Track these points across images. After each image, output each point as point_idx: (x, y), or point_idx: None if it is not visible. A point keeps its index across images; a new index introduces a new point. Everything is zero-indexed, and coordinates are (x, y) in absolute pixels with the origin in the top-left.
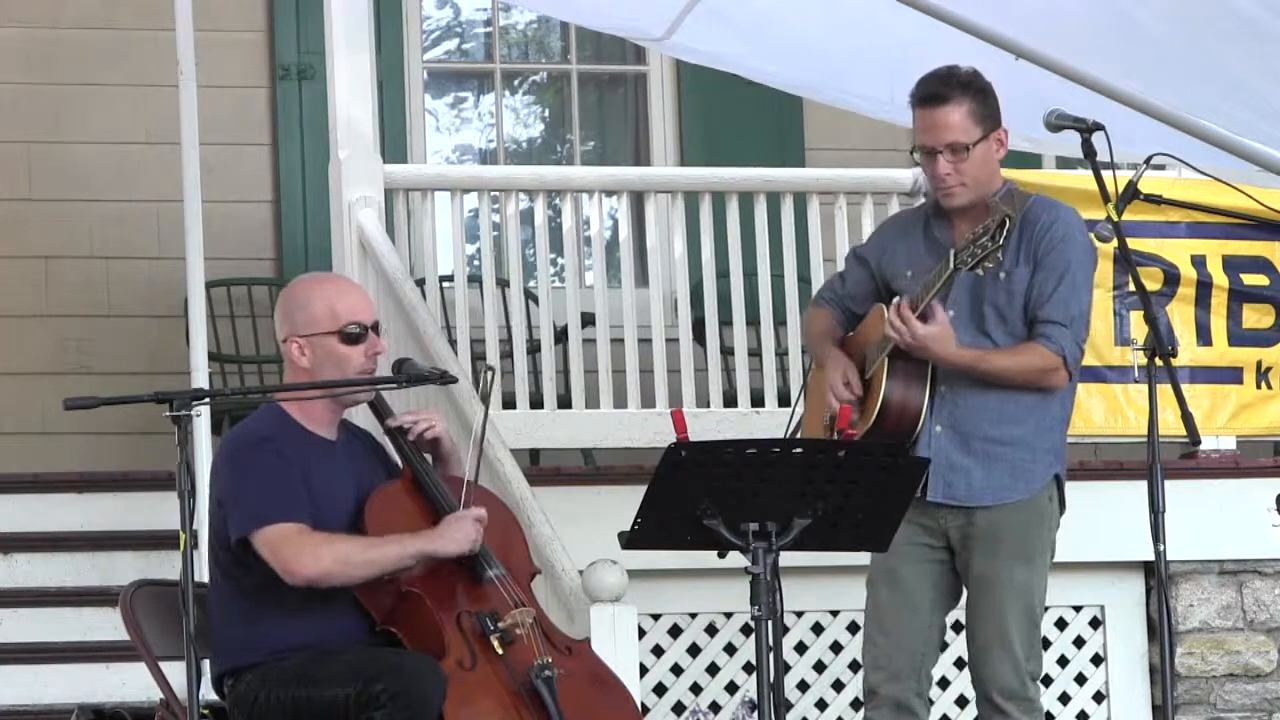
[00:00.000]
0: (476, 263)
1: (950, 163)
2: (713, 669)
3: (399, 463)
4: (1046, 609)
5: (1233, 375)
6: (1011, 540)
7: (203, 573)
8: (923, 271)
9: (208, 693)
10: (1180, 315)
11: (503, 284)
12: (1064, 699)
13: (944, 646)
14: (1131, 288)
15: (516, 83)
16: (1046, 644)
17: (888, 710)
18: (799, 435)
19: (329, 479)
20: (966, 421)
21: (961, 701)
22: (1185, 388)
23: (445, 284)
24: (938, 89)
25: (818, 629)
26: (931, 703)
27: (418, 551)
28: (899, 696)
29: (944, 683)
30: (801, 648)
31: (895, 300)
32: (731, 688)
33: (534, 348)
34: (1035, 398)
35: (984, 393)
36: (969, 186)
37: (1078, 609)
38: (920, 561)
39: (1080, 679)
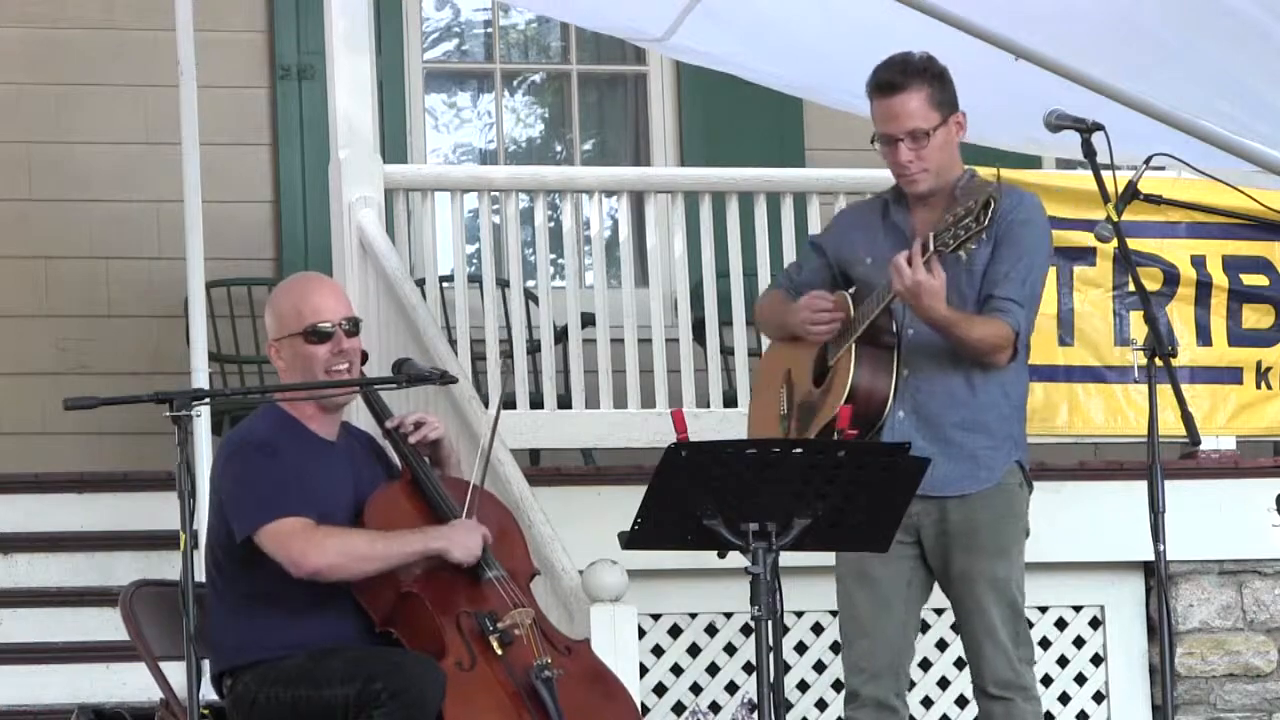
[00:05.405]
0: (476, 263)
1: (912, 149)
2: (713, 669)
3: (399, 464)
4: (1046, 609)
5: (1232, 375)
6: (987, 535)
7: (202, 573)
8: (882, 258)
9: (208, 693)
10: (1180, 315)
11: (503, 284)
12: (1064, 699)
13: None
14: (1131, 288)
15: (516, 83)
16: (1046, 644)
17: (870, 710)
18: (748, 432)
19: (328, 479)
20: (930, 406)
21: (962, 701)
22: (1185, 388)
23: (445, 284)
24: (894, 77)
25: (818, 629)
26: (932, 702)
27: (425, 549)
28: (880, 696)
29: (944, 683)
30: (801, 648)
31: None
32: (731, 688)
33: (534, 348)
34: (997, 384)
35: (946, 377)
36: (931, 172)
37: (1078, 609)
38: (893, 560)
39: (1080, 679)
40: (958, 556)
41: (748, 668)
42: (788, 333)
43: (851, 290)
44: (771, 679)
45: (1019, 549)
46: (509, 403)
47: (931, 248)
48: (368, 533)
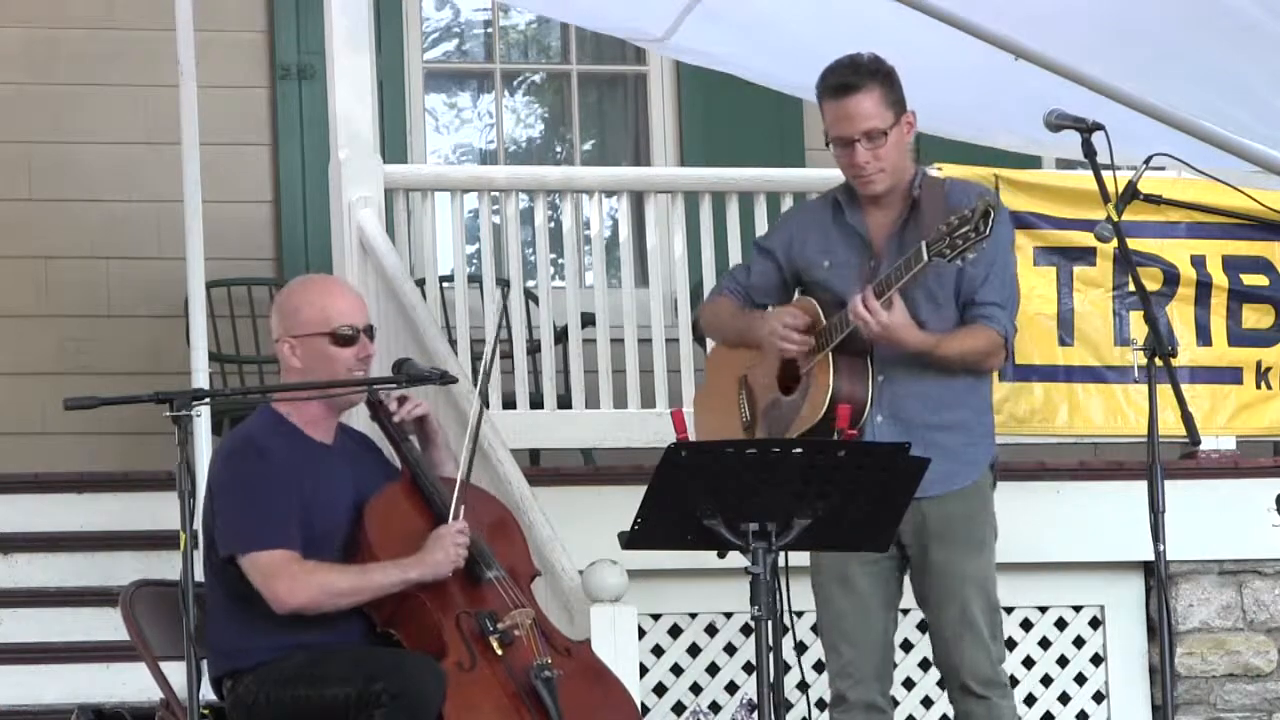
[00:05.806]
0: (476, 263)
1: (869, 150)
2: (713, 669)
3: (398, 465)
4: (1046, 609)
5: (1232, 375)
6: (963, 531)
7: (202, 573)
8: (841, 261)
9: (208, 693)
10: (1180, 315)
11: (503, 284)
12: (1064, 699)
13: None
14: (1131, 288)
15: (516, 83)
16: (1046, 644)
17: (860, 713)
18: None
19: (326, 482)
20: (907, 409)
21: None
22: (1185, 388)
23: (445, 284)
24: (848, 78)
25: (818, 629)
26: (932, 702)
27: (403, 580)
28: (868, 699)
29: (943, 683)
30: (801, 648)
31: (863, 292)
32: (731, 688)
33: (534, 348)
34: (970, 383)
35: (921, 379)
36: (888, 172)
37: (1078, 609)
38: (872, 563)
39: (1080, 679)
40: (937, 554)
41: (748, 668)
42: (747, 342)
43: (799, 289)
44: (771, 679)
45: (991, 544)
46: (509, 403)
47: (925, 259)
48: (347, 568)
